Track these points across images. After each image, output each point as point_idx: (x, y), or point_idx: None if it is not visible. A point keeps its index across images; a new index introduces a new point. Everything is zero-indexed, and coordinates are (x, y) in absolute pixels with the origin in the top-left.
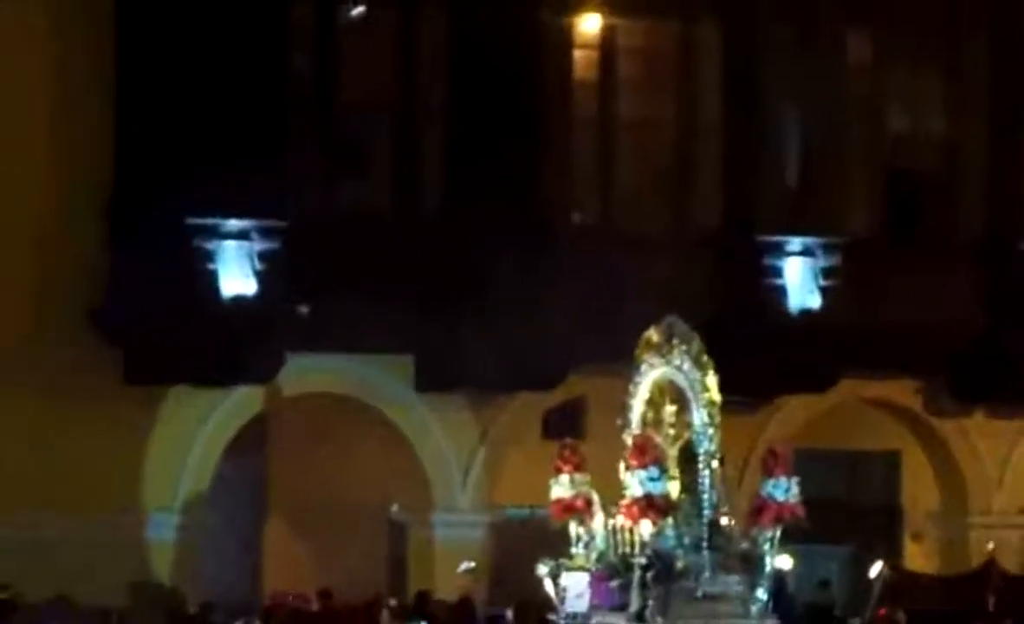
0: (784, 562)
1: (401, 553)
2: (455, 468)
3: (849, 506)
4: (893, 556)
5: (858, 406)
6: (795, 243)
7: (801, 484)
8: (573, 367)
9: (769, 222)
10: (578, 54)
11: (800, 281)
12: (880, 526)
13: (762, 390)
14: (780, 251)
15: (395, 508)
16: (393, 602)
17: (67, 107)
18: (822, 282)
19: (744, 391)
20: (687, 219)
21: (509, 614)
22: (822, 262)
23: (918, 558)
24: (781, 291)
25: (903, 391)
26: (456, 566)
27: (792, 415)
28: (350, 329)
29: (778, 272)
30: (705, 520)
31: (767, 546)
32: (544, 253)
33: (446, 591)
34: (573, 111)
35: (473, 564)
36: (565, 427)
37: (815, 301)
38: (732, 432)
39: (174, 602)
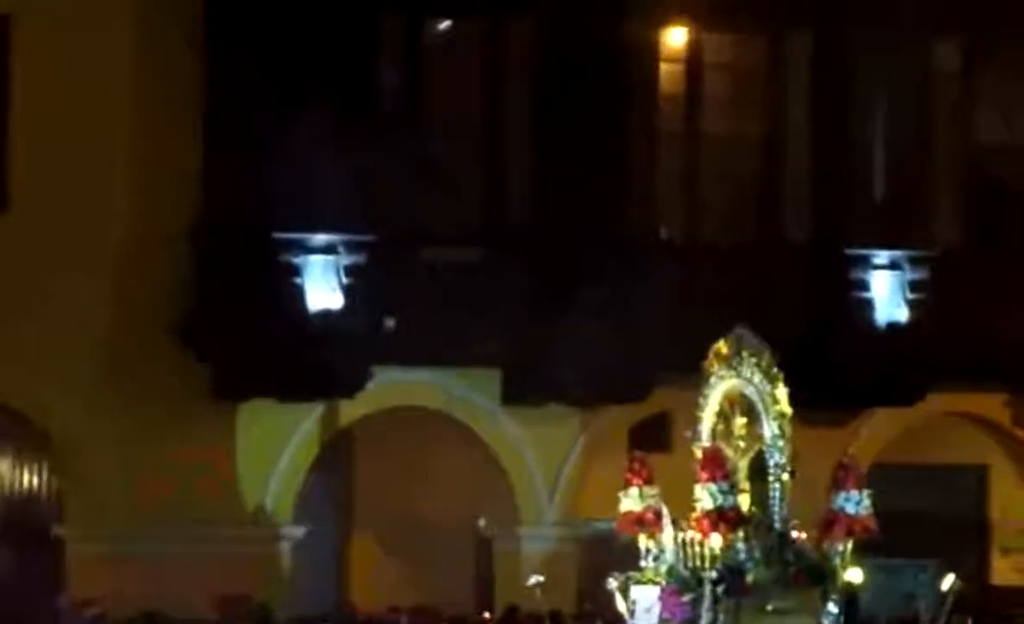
0: (855, 576)
1: (488, 568)
2: (541, 482)
3: (937, 520)
4: (982, 570)
5: (946, 419)
6: (883, 256)
7: (888, 498)
8: (659, 380)
9: (857, 235)
10: (664, 68)
11: (888, 294)
12: (968, 540)
13: (850, 404)
14: (868, 264)
15: (482, 523)
16: (487, 615)
17: (154, 123)
18: (910, 295)
19: (832, 405)
20: (774, 233)
21: None
22: (910, 275)
23: (1008, 572)
24: (869, 304)
25: (991, 404)
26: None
27: (879, 429)
28: (437, 343)
29: (866, 285)
30: (775, 534)
31: (838, 560)
32: (631, 267)
33: (533, 606)
34: (659, 125)
35: (542, 578)
36: (651, 440)
37: (903, 314)
38: (819, 446)
39: (263, 616)
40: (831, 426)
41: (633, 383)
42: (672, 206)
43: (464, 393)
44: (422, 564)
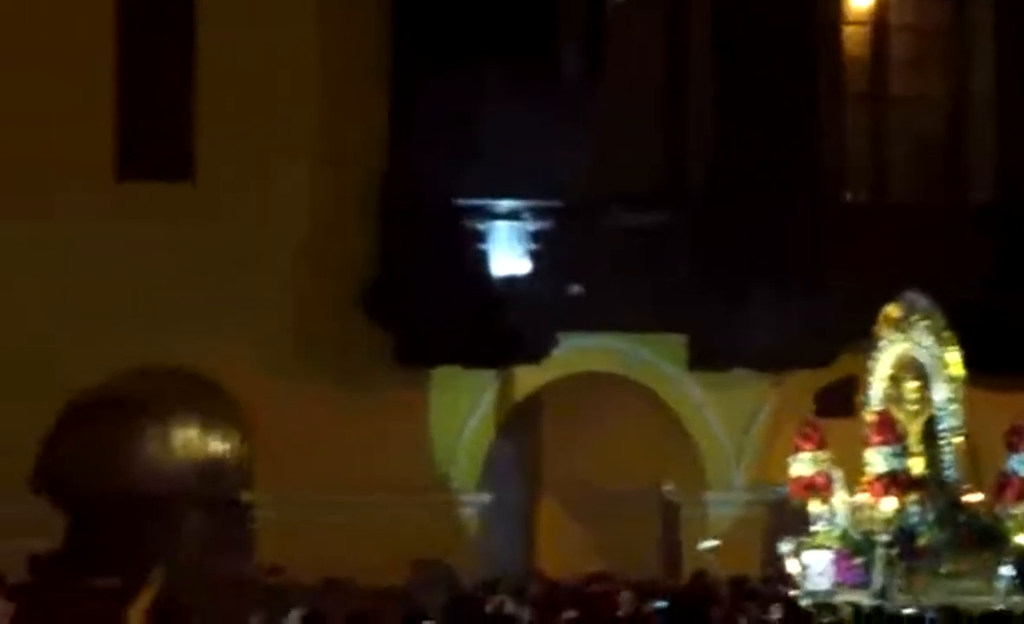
0: None
1: (675, 533)
2: (728, 447)
3: None
4: None
5: None
6: None
7: None
8: (845, 345)
9: None
10: (848, 30)
11: None
12: None
13: None
14: None
15: (668, 488)
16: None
17: (339, 91)
18: None
19: (1016, 366)
20: (959, 195)
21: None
22: None
23: None
24: None
25: None
26: (717, 544)
27: None
28: (623, 308)
29: None
30: (948, 497)
31: (1011, 523)
32: (816, 230)
33: (720, 571)
34: (844, 88)
35: (717, 543)
36: (837, 405)
37: None
38: (1002, 407)
39: (453, 581)
40: (1012, 389)
41: (819, 348)
42: (857, 169)
43: (650, 358)
44: (608, 530)
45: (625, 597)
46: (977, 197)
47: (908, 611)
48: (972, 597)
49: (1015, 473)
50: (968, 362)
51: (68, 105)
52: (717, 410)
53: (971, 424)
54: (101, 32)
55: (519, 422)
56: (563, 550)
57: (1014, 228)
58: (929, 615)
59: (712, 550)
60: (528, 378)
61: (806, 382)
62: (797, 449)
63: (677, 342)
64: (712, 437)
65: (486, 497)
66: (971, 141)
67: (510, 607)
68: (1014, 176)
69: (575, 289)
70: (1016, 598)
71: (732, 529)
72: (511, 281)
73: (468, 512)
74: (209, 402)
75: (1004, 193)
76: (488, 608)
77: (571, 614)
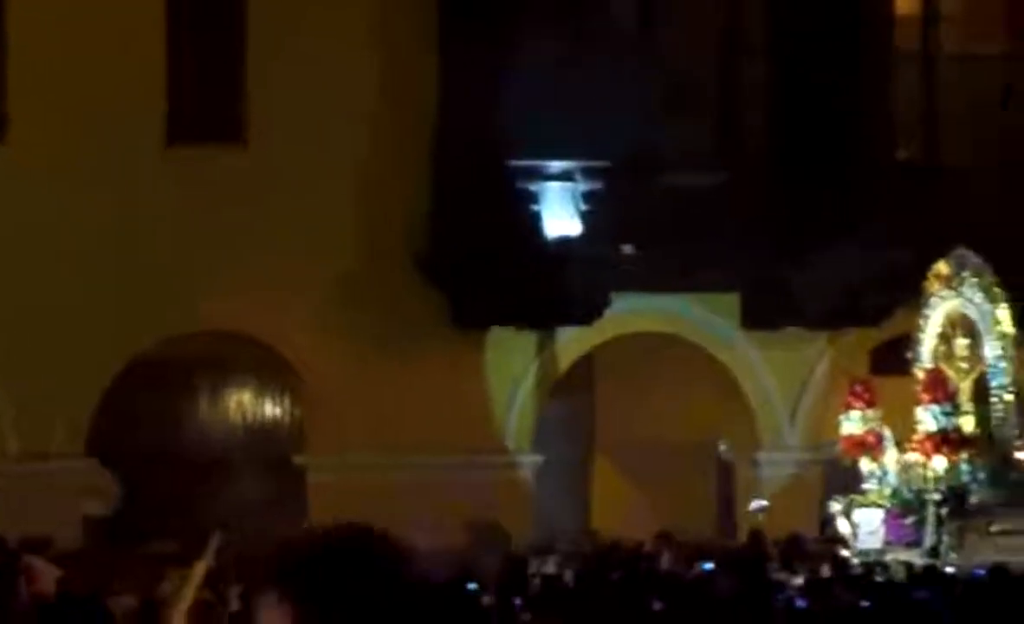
0: None
1: (729, 492)
2: (782, 406)
3: None
4: None
5: None
6: None
7: None
8: (900, 302)
9: None
10: None
11: None
12: None
13: None
14: None
15: (723, 447)
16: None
17: (389, 54)
18: None
19: None
20: (1011, 154)
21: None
22: None
23: None
24: None
25: None
26: (766, 503)
27: None
28: (675, 268)
29: None
30: (999, 455)
31: None
32: (869, 189)
33: (775, 530)
34: (895, 46)
35: (766, 503)
36: (893, 363)
37: None
38: None
39: (508, 541)
40: None
41: (873, 305)
42: (909, 127)
43: (703, 318)
44: (663, 489)
45: (665, 558)
46: None
47: (959, 569)
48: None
49: None
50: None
51: (120, 71)
52: (771, 369)
53: None
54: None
55: (574, 382)
56: (617, 510)
57: None
58: (981, 573)
59: (762, 510)
60: (581, 339)
61: (861, 340)
62: (847, 407)
63: (730, 301)
64: (766, 396)
65: (540, 458)
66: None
67: (551, 568)
68: None
69: (627, 249)
70: None
71: (786, 488)
72: (564, 242)
73: (522, 473)
74: (263, 365)
75: None
76: (532, 569)
77: (616, 574)
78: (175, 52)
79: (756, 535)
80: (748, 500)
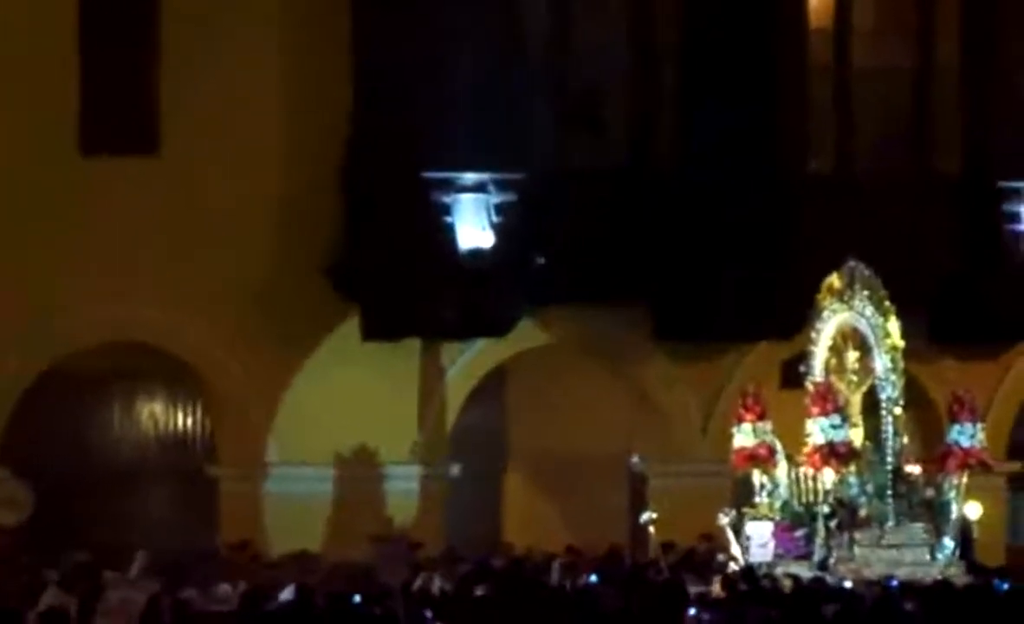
0: (973, 510)
1: (641, 503)
2: (694, 418)
3: None
4: None
5: None
6: None
7: None
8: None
9: (1009, 168)
10: (813, 1)
11: None
12: None
13: (1003, 336)
14: (1020, 197)
15: (635, 459)
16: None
17: (301, 64)
18: None
19: (985, 338)
20: (925, 166)
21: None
22: None
23: None
24: (1021, 237)
25: None
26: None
27: None
28: (587, 280)
29: (1018, 218)
30: (889, 467)
31: (953, 493)
32: (780, 202)
33: (688, 541)
34: (808, 59)
35: (655, 515)
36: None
37: None
38: (973, 379)
39: (415, 554)
40: (982, 360)
41: (785, 319)
42: (821, 140)
43: (615, 330)
44: (575, 501)
45: (554, 569)
46: (943, 167)
47: (849, 582)
48: (914, 568)
49: (956, 443)
50: (936, 334)
51: (33, 83)
52: (683, 381)
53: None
54: (65, 7)
55: (486, 395)
56: (530, 522)
57: (979, 198)
58: (870, 586)
59: (650, 522)
60: (494, 350)
61: (772, 353)
62: (739, 420)
63: (642, 313)
64: (678, 408)
65: (454, 468)
66: (936, 111)
67: (436, 583)
68: (979, 146)
69: (540, 261)
70: (956, 569)
71: (697, 499)
72: (476, 253)
73: (435, 485)
74: (175, 377)
75: (970, 163)
76: (416, 584)
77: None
78: (89, 63)
79: (668, 548)
80: (662, 511)
